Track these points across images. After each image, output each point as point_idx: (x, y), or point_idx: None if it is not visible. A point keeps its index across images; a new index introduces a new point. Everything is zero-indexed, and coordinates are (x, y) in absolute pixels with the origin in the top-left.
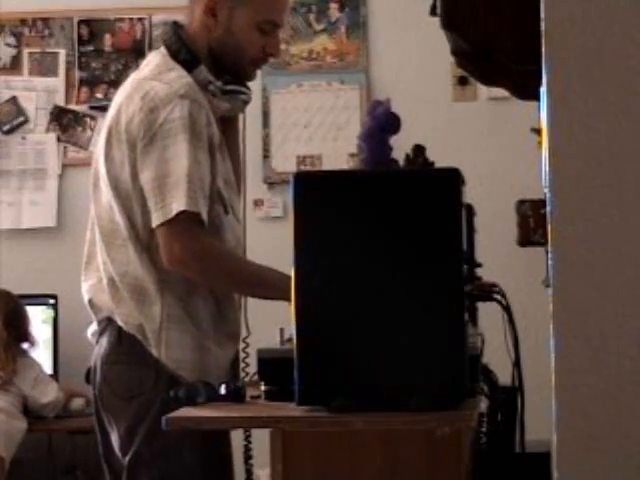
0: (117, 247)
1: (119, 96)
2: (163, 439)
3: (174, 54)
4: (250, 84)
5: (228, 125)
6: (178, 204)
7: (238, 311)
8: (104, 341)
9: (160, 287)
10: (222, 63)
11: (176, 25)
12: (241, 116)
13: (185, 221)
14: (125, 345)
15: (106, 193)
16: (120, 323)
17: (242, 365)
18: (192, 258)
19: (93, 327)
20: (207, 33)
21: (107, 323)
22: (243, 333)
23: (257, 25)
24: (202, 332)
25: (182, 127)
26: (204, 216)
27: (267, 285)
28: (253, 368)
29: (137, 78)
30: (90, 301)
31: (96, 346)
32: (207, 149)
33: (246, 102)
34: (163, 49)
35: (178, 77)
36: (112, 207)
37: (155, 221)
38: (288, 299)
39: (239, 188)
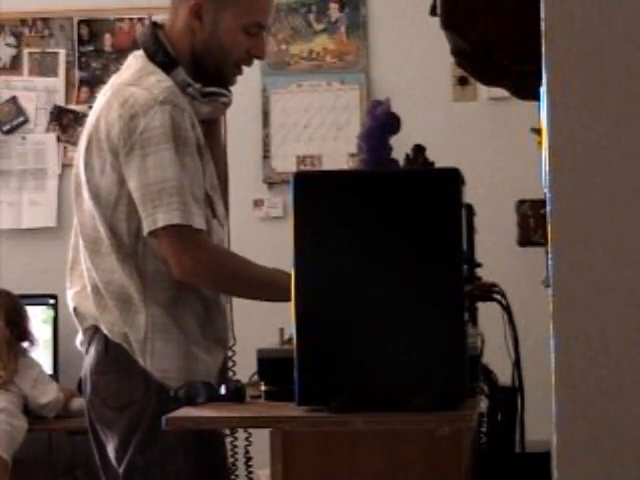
0: (102, 255)
1: (99, 102)
2: (157, 447)
3: (151, 56)
4: (250, 84)
5: (209, 128)
6: (168, 216)
7: (226, 316)
8: (92, 350)
9: (145, 296)
10: (204, 66)
11: (155, 26)
12: (222, 118)
13: (183, 232)
14: (112, 354)
15: (87, 200)
16: (105, 332)
17: (229, 374)
18: (203, 268)
19: (80, 336)
20: (191, 35)
21: (93, 332)
22: (230, 341)
23: (243, 27)
24: (189, 339)
25: (163, 135)
26: (199, 224)
27: (277, 287)
28: (252, 369)
29: (116, 83)
30: (75, 309)
31: (86, 356)
32: (195, 152)
33: (226, 105)
34: (141, 51)
35: (158, 82)
36: (94, 215)
37: (146, 229)
38: None
39: (223, 192)
